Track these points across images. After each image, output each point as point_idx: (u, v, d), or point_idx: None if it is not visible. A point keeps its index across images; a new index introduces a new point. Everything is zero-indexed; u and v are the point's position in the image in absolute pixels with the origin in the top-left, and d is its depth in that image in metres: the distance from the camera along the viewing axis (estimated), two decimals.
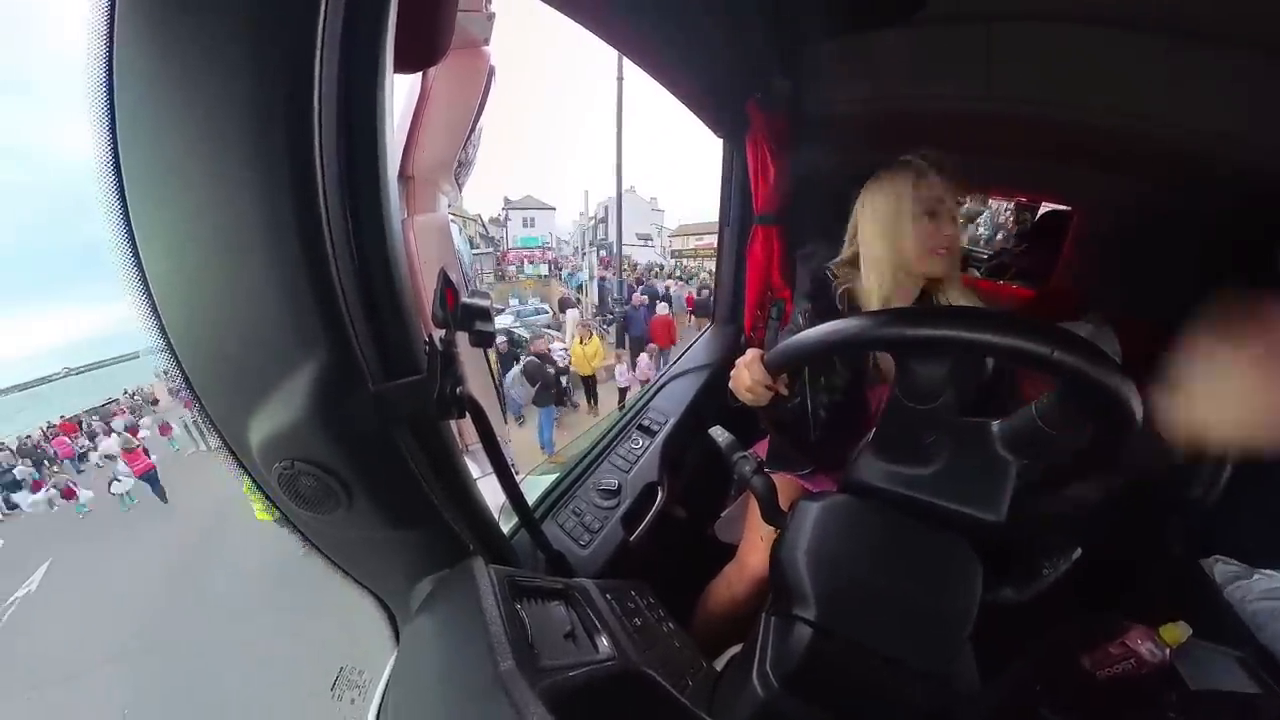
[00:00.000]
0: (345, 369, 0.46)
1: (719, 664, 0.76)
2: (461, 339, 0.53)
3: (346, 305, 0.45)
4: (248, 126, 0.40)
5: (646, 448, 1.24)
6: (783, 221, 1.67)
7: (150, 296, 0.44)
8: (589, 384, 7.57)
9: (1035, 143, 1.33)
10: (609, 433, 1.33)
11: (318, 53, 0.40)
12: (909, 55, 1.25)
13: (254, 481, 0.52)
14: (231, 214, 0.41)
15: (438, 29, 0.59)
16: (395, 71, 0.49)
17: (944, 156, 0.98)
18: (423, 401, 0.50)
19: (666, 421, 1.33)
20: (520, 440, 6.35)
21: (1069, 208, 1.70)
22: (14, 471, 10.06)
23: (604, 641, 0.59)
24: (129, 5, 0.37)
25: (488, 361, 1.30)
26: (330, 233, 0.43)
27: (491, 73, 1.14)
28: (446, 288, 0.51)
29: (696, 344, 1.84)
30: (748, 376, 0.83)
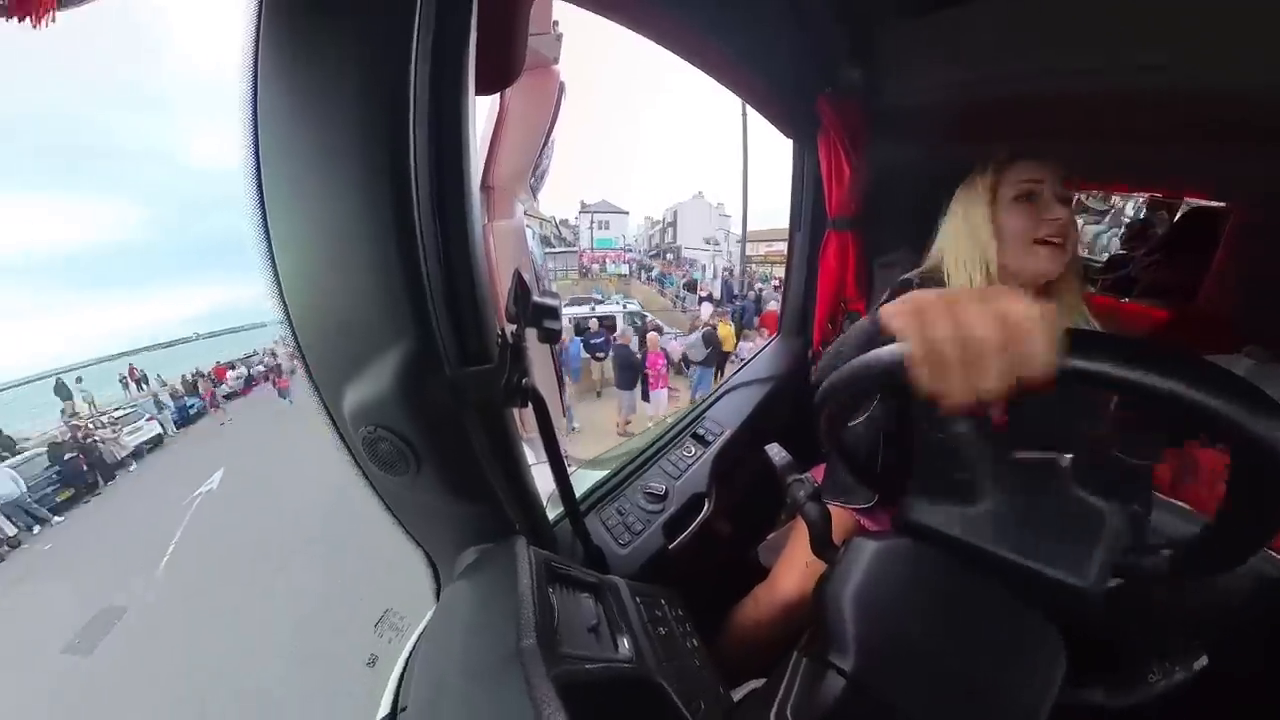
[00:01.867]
0: (427, 354, 0.52)
1: (737, 695, 0.71)
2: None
3: (432, 299, 0.52)
4: (356, 147, 0.48)
5: (698, 457, 1.20)
6: (859, 226, 1.50)
7: (278, 280, 0.53)
8: (723, 358, 9.15)
9: (1176, 121, 1.03)
10: (663, 436, 1.30)
11: (411, 85, 0.47)
12: (1004, 28, 1.04)
13: (342, 440, 0.60)
14: (343, 219, 0.49)
15: (511, 55, 0.65)
16: (476, 94, 0.56)
17: (1045, 145, 0.83)
18: (491, 389, 0.55)
19: (722, 433, 1.28)
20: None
21: (1223, 204, 1.36)
22: (185, 400, 12.52)
23: (625, 643, 0.59)
24: (269, 52, 0.46)
25: (553, 357, 1.32)
26: (422, 237, 0.50)
27: (561, 89, 1.21)
28: (519, 287, 0.54)
29: (760, 356, 1.74)
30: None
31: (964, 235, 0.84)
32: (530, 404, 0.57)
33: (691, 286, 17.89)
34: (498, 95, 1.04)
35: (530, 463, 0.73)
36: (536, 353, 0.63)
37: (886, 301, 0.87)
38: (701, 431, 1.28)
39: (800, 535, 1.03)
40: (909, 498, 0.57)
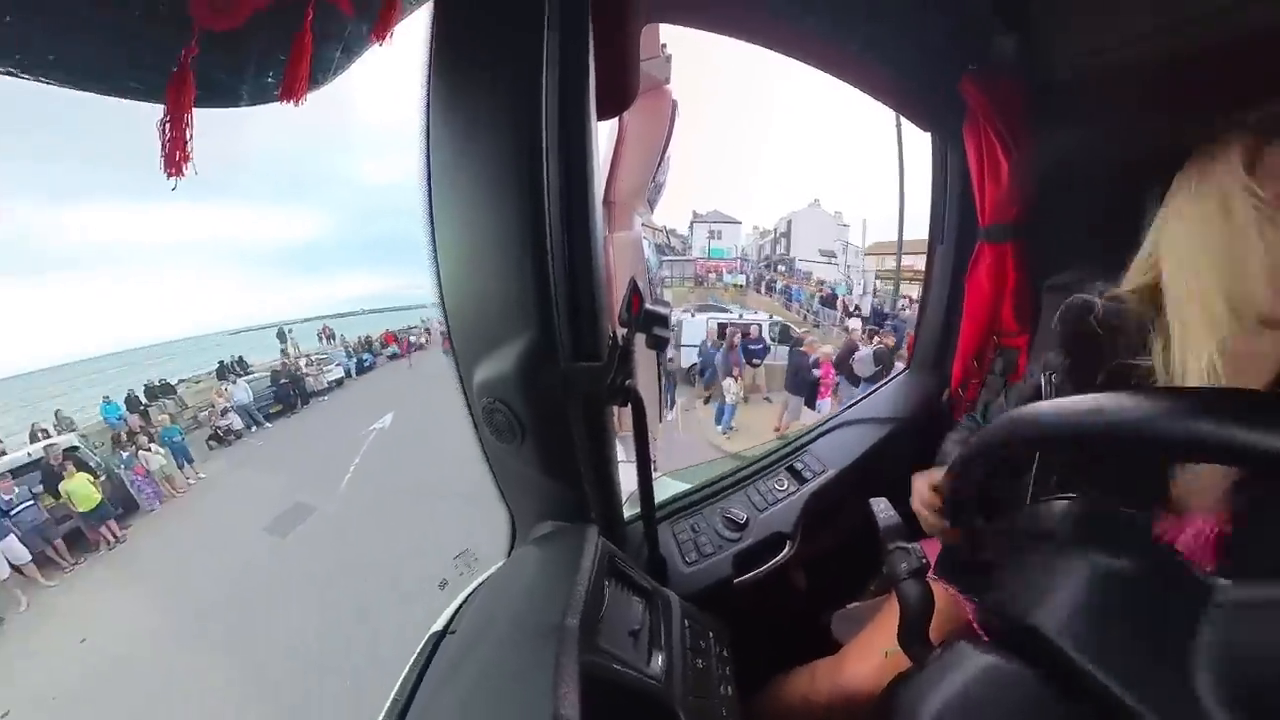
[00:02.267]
0: (546, 346, 0.60)
1: None
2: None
3: (556, 300, 0.59)
4: (501, 170, 0.57)
5: (790, 493, 1.09)
6: (1021, 236, 1.15)
7: (439, 274, 0.65)
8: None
9: None
10: (756, 462, 1.20)
11: (543, 115, 0.55)
12: None
13: (468, 406, 0.70)
14: (489, 229, 0.59)
15: (626, 82, 0.71)
16: (598, 120, 0.64)
17: None
18: (596, 384, 0.61)
19: (822, 471, 1.14)
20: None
21: None
22: (364, 358, 16.20)
23: (660, 660, 0.58)
24: (436, 97, 0.58)
25: (658, 365, 1.33)
26: (551, 245, 0.59)
27: (675, 107, 1.26)
28: (634, 294, 0.59)
29: (883, 390, 1.49)
30: (923, 485, 0.62)
31: (1209, 261, 0.55)
32: (630, 404, 0.62)
33: (830, 301, 16.73)
34: (617, 118, 1.13)
35: (619, 459, 0.77)
36: (643, 357, 0.67)
37: (1063, 338, 0.67)
38: (799, 466, 1.17)
39: (888, 616, 0.86)
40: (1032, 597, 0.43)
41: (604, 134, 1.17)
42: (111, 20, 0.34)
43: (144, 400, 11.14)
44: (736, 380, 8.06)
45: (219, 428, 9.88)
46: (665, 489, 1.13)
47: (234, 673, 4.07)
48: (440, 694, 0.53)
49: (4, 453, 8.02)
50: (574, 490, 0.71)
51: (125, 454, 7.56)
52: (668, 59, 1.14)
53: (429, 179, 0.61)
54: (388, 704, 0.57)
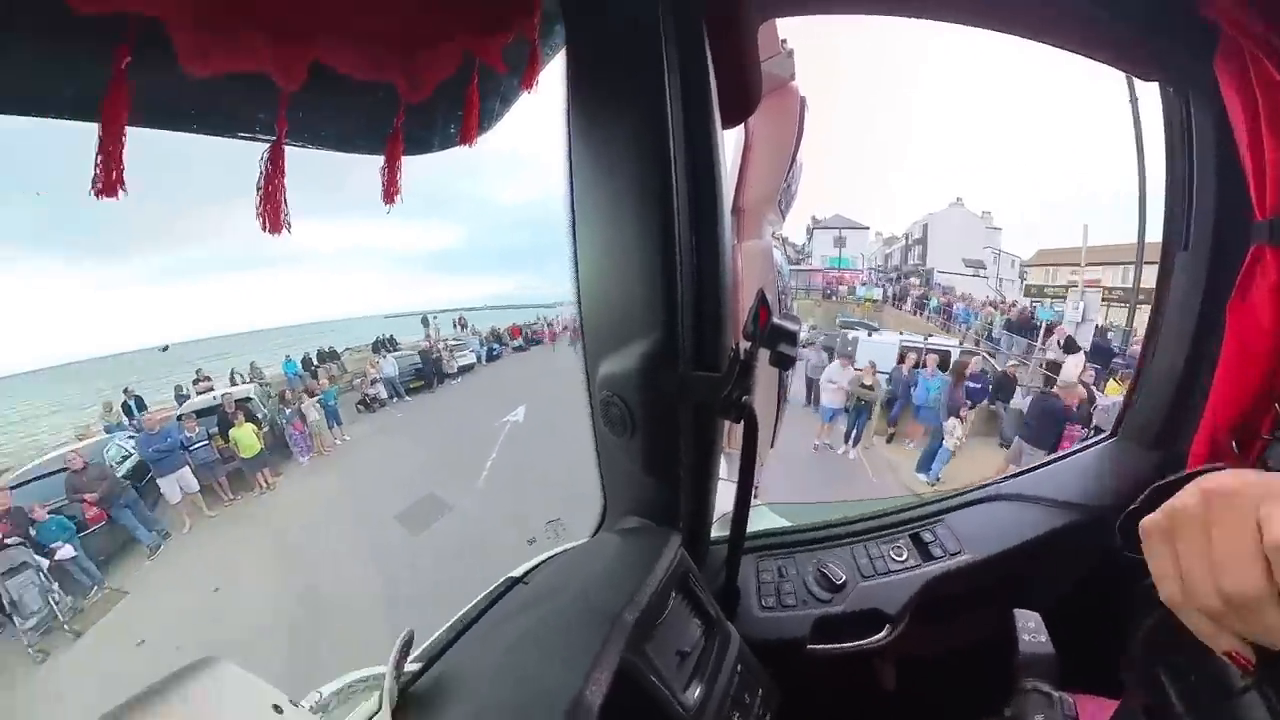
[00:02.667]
0: (668, 350, 0.63)
1: None
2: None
3: (682, 307, 0.63)
4: (633, 181, 0.62)
5: (906, 568, 0.91)
6: None
7: (577, 274, 0.73)
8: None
9: None
10: (876, 518, 1.04)
11: (670, 126, 0.59)
12: None
13: (589, 396, 0.76)
14: (623, 236, 0.65)
15: (748, 86, 0.71)
16: (723, 127, 0.66)
17: None
18: (712, 395, 0.62)
19: (956, 554, 0.93)
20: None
21: None
22: (494, 348, 18.38)
23: (696, 693, 0.56)
24: (575, 115, 0.65)
25: (779, 383, 1.23)
26: (679, 253, 0.62)
27: (803, 105, 1.18)
28: (761, 306, 0.59)
29: (1067, 461, 1.16)
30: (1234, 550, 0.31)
31: None
32: (742, 421, 0.61)
33: (1023, 326, 12.22)
34: (743, 124, 1.06)
35: (720, 477, 0.77)
36: (764, 375, 0.66)
37: None
38: (928, 538, 0.96)
39: None
40: None
41: (732, 141, 1.17)
42: (361, 104, 0.54)
43: (315, 362, 13.75)
44: (963, 421, 6.69)
45: (367, 395, 11.61)
46: (762, 519, 1.08)
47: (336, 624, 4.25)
48: (496, 631, 0.62)
49: (211, 389, 9.97)
50: (669, 494, 0.72)
51: (288, 410, 8.47)
52: (789, 54, 1.08)
53: (571, 192, 0.69)
54: (452, 620, 0.67)
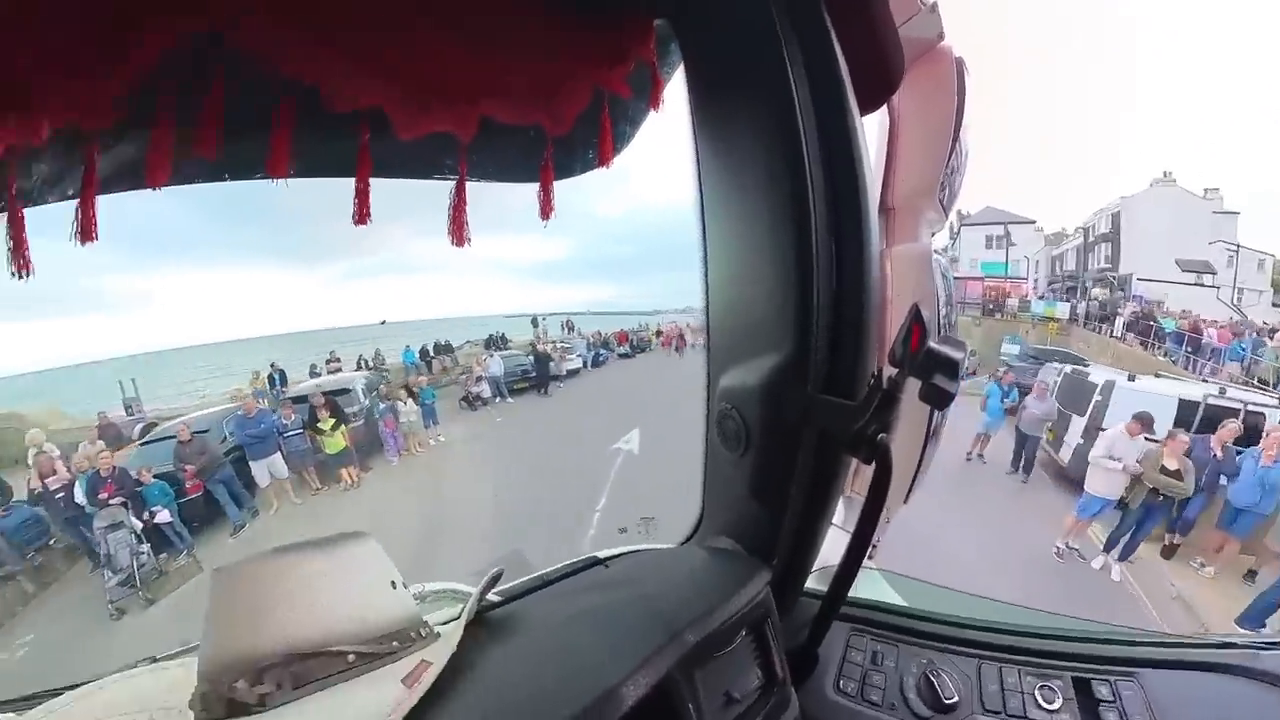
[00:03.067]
0: (796, 369, 0.61)
1: None
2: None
3: (816, 321, 0.59)
4: (764, 179, 0.61)
5: (1050, 715, 0.70)
6: None
7: (707, 283, 0.74)
8: None
9: None
10: (1026, 635, 0.83)
11: (798, 121, 0.56)
12: None
13: (707, 404, 0.77)
14: (755, 241, 0.64)
15: (886, 61, 0.64)
16: (862, 112, 0.61)
17: None
18: (841, 426, 0.57)
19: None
20: None
21: None
22: (600, 353, 19.05)
23: None
24: (699, 121, 0.67)
25: (929, 424, 1.02)
26: (817, 261, 0.59)
27: (960, 67, 0.99)
28: (914, 325, 0.51)
29: None
30: None
31: None
32: (875, 463, 0.54)
33: None
34: (885, 105, 0.90)
35: (834, 523, 0.72)
36: (910, 410, 0.58)
37: None
38: (1104, 693, 0.71)
39: None
40: None
41: (875, 128, 1.03)
42: (517, 143, 0.65)
43: (431, 354, 15.20)
44: None
45: (470, 393, 12.19)
46: (871, 586, 0.99)
47: None
48: (564, 598, 0.67)
49: (340, 370, 10.97)
50: (769, 525, 0.70)
51: (383, 405, 8.52)
52: (932, 8, 0.90)
53: (701, 200, 0.71)
54: (534, 575, 0.74)
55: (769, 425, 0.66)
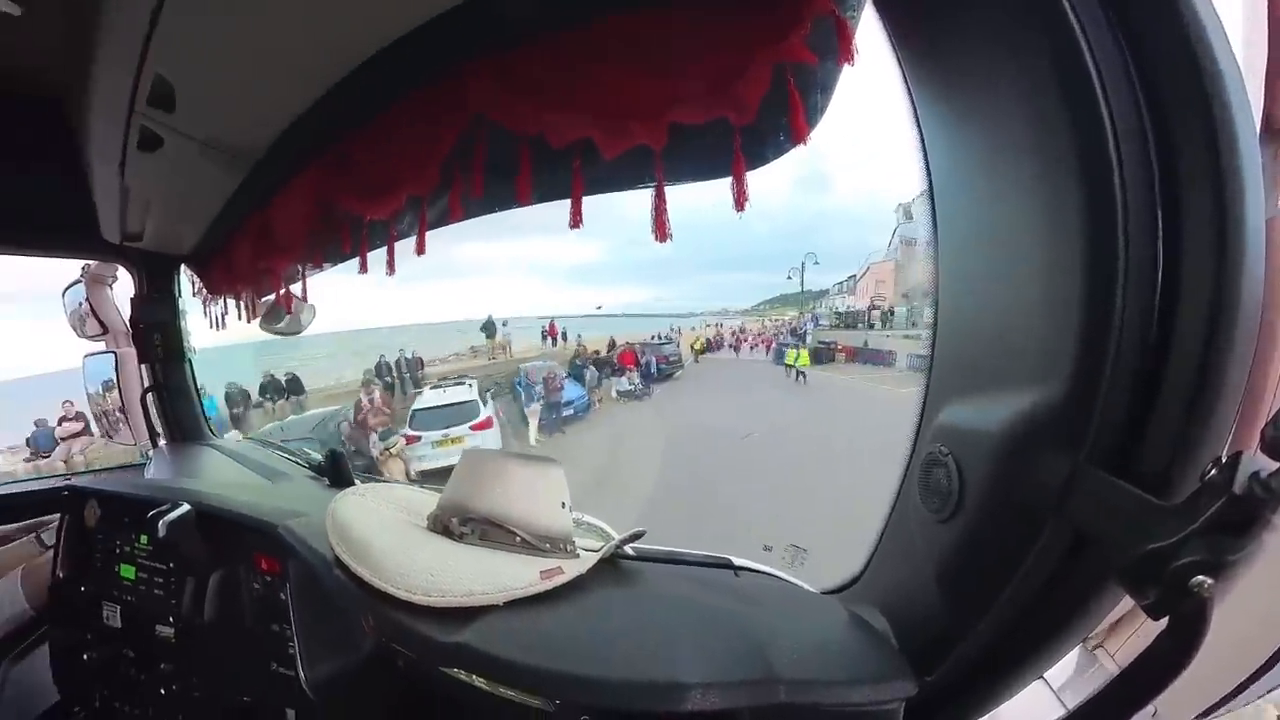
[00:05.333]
0: (1063, 420, 0.39)
1: None
2: None
3: (1116, 346, 0.37)
4: (1029, 142, 0.40)
5: None
6: None
7: (937, 287, 0.57)
8: None
9: None
10: None
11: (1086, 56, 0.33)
12: None
13: (914, 439, 0.60)
14: (1014, 229, 0.44)
15: None
16: None
17: None
18: (1122, 536, 0.34)
19: None
20: None
21: None
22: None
23: None
24: (924, 99, 0.50)
25: None
26: (1124, 260, 0.35)
27: None
28: None
29: None
30: None
31: None
32: (1169, 621, 0.30)
33: None
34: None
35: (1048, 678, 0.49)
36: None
37: None
38: None
39: None
40: None
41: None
42: (705, 141, 0.62)
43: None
44: None
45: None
46: None
47: None
48: (681, 583, 0.69)
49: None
50: (947, 630, 0.49)
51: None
52: None
53: (929, 180, 0.54)
54: (668, 549, 0.78)
55: (996, 494, 0.45)
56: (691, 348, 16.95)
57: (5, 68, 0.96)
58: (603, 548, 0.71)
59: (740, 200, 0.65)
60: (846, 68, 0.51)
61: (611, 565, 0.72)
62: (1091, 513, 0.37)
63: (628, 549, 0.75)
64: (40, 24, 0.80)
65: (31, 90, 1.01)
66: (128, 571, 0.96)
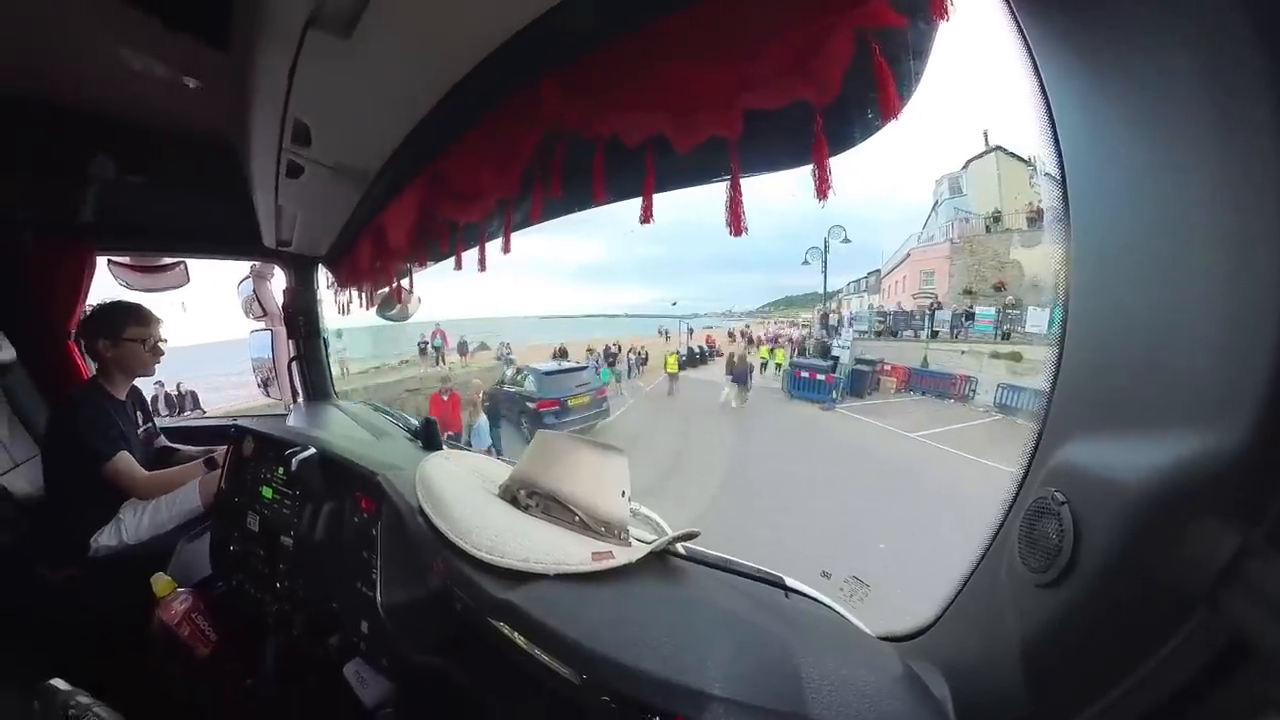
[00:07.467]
0: (1241, 484, 0.31)
1: None
2: None
3: None
4: (1209, 146, 0.32)
5: None
6: None
7: (1067, 300, 0.48)
8: None
9: None
10: None
11: None
12: None
13: (1020, 481, 0.52)
14: (1181, 231, 0.35)
15: None
16: None
17: None
18: None
19: None
20: None
21: None
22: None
23: None
24: (1045, 63, 0.42)
25: None
26: None
27: None
28: None
29: None
30: None
31: None
32: None
33: None
34: None
35: None
36: None
37: None
38: None
39: None
40: None
41: None
42: (784, 125, 0.60)
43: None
44: None
45: None
46: None
47: None
48: (733, 594, 0.69)
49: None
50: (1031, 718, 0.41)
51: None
52: None
53: (1061, 166, 0.46)
54: (717, 554, 0.77)
55: (1123, 564, 0.37)
56: (665, 364, 13.46)
57: (195, 128, 1.27)
58: (655, 541, 0.72)
59: (822, 188, 0.60)
60: (942, 25, 0.45)
61: (661, 560, 0.72)
62: (1262, 611, 0.29)
63: (679, 547, 0.76)
64: (211, 92, 1.05)
65: (213, 141, 1.31)
66: (267, 492, 1.24)
